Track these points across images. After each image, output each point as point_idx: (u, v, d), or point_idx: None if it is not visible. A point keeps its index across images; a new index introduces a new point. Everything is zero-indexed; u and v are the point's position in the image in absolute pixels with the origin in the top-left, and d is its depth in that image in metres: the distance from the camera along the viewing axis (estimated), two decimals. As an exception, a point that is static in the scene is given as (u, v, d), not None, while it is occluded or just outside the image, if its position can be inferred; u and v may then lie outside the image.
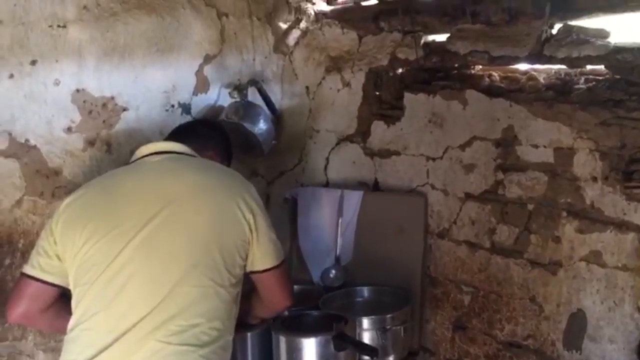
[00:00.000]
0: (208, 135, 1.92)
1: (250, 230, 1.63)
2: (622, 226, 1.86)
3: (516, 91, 2.09)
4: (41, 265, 1.59)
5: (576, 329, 2.00)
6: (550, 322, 2.06)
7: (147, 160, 1.71)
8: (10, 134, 1.78)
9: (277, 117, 2.52)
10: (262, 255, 1.67)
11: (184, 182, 1.64)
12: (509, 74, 2.17)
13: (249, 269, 1.67)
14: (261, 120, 2.34)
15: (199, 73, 2.25)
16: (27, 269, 1.60)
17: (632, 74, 1.81)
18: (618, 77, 1.86)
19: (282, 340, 1.89)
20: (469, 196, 2.24)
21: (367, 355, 1.87)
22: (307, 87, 2.64)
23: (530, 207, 2.07)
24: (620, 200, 1.85)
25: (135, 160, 1.74)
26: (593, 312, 1.96)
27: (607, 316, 1.92)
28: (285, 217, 2.66)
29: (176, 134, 1.89)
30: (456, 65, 2.26)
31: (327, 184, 2.66)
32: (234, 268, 1.60)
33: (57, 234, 1.57)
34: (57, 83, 1.87)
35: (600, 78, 1.92)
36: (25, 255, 1.81)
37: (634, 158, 1.81)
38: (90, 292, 1.52)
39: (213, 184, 1.66)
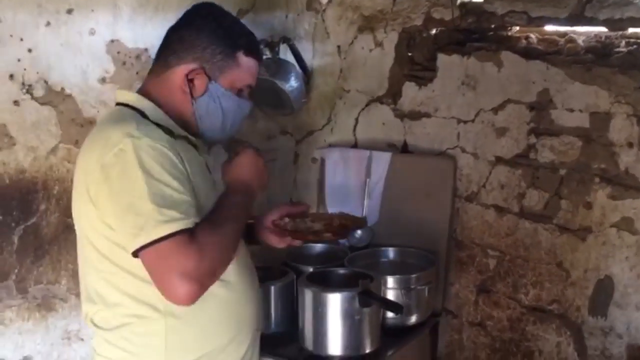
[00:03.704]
0: (180, 41, 1.44)
1: (94, 205, 1.30)
2: (657, 193, 1.83)
3: (554, 53, 2.06)
4: None
5: (603, 295, 2.00)
6: (577, 288, 2.06)
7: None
8: (46, 82, 1.80)
9: (307, 75, 2.51)
10: (121, 235, 1.28)
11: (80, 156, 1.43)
12: (547, 36, 2.13)
13: None
14: (292, 78, 2.33)
15: (231, 28, 2.24)
16: None
17: (676, 37, 1.76)
18: (661, 40, 1.82)
19: (308, 295, 1.91)
20: (499, 160, 2.23)
21: (392, 311, 1.89)
22: (338, 47, 2.61)
23: (562, 172, 2.05)
24: (656, 167, 1.83)
25: None
26: (621, 278, 1.95)
27: (636, 283, 1.92)
28: (313, 177, 2.68)
29: (156, 55, 1.52)
30: (493, 26, 2.22)
31: (355, 145, 2.66)
32: (114, 254, 1.33)
33: None
34: (92, 32, 1.87)
35: (642, 41, 1.88)
36: (60, 202, 1.85)
37: (673, 124, 1.78)
38: None
39: (82, 156, 1.39)
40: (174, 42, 1.44)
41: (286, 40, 2.40)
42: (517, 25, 2.15)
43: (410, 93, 2.47)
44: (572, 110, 2.00)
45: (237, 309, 1.47)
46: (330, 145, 2.66)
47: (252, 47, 1.46)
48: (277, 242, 1.70)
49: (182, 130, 1.43)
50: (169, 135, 1.36)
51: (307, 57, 2.51)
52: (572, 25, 2.00)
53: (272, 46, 2.35)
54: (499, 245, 2.25)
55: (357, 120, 2.65)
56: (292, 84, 2.33)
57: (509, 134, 2.19)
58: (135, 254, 1.25)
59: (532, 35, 2.15)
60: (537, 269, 2.16)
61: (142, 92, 1.45)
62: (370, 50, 2.56)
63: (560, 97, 2.03)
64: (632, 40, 1.90)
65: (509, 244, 2.22)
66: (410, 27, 2.44)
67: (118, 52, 1.95)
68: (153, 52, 1.97)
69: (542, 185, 2.11)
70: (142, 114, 1.39)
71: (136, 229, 1.23)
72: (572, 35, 2.05)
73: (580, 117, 1.99)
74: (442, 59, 2.35)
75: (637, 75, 1.83)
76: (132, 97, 1.43)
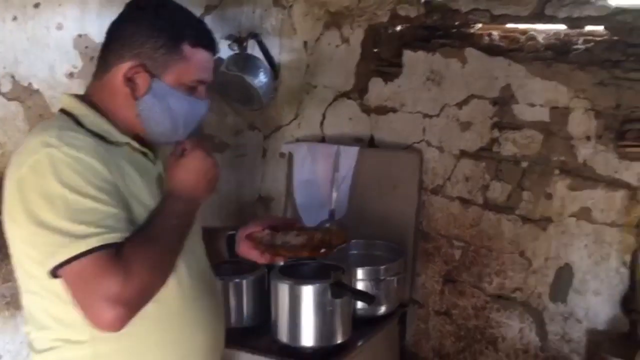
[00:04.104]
0: (118, 38, 1.28)
1: (13, 221, 1.19)
2: (613, 184, 1.93)
3: (515, 50, 2.13)
4: None
5: (563, 282, 2.09)
6: (538, 276, 2.14)
7: None
8: (13, 77, 1.76)
9: (275, 71, 2.53)
10: (39, 254, 1.15)
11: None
12: (509, 33, 2.20)
13: None
14: (261, 73, 2.34)
15: (199, 23, 2.23)
16: None
17: (630, 35, 1.86)
18: (616, 38, 1.91)
19: (281, 287, 1.93)
20: (464, 153, 2.29)
21: (363, 301, 1.93)
22: (305, 42, 2.64)
23: (524, 164, 2.13)
24: (613, 159, 1.92)
25: None
26: (580, 266, 2.04)
27: (594, 270, 2.01)
28: (282, 171, 2.70)
29: (98, 57, 1.34)
30: (456, 23, 2.28)
31: (323, 140, 2.68)
32: (38, 274, 1.18)
33: None
34: (59, 27, 1.85)
35: (599, 39, 1.97)
36: (28, 199, 1.82)
37: (629, 118, 1.88)
38: None
39: (8, 167, 1.24)
40: (113, 41, 1.28)
41: (254, 35, 2.40)
42: (480, 22, 2.22)
43: (377, 88, 2.52)
44: (533, 105, 2.09)
45: (180, 332, 1.29)
46: (298, 140, 2.68)
47: (199, 38, 1.28)
48: (257, 257, 1.52)
49: (123, 136, 1.28)
50: (104, 142, 1.24)
51: (274, 52, 2.52)
52: (532, 23, 2.08)
53: (240, 41, 2.36)
54: (464, 236, 2.32)
55: (324, 115, 2.67)
56: (261, 79, 2.34)
57: (473, 128, 2.25)
58: (55, 274, 1.13)
59: (494, 33, 2.22)
60: (500, 258, 2.23)
61: (85, 97, 1.31)
62: (337, 46, 2.60)
63: (522, 92, 2.10)
64: (589, 37, 1.99)
65: (474, 234, 2.29)
66: (376, 23, 2.48)
67: (86, 47, 1.92)
68: (121, 47, 1.99)
69: (505, 177, 2.19)
70: (77, 120, 1.26)
71: (52, 246, 1.11)
72: (532, 32, 2.12)
73: (541, 112, 2.07)
74: (407, 55, 2.41)
75: (594, 71, 1.92)
76: (66, 101, 1.30)
